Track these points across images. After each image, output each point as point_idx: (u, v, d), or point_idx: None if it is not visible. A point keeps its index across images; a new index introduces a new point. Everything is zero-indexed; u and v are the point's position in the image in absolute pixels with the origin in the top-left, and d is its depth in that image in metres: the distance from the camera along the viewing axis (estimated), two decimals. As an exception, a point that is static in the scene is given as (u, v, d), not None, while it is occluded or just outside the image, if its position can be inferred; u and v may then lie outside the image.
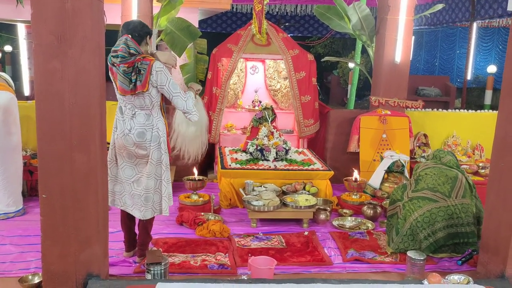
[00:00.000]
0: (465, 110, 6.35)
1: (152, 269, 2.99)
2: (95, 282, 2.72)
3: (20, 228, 3.97)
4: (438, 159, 3.99)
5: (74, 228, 2.73)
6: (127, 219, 3.48)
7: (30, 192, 4.80)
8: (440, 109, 6.35)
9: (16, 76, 11.77)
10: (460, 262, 3.58)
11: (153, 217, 3.43)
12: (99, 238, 2.83)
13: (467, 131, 6.06)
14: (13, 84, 4.45)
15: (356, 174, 5.03)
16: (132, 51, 3.13)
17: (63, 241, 2.73)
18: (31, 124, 5.06)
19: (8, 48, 11.79)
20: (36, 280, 2.96)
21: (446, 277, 3.08)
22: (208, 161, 6.16)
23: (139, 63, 3.12)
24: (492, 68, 9.59)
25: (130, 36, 3.17)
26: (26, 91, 5.92)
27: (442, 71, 14.93)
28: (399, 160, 5.04)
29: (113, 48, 3.17)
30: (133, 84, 3.13)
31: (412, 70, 10.44)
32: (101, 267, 2.85)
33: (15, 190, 4.30)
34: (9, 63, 12.33)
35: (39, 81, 2.62)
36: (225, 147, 5.69)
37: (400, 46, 5.55)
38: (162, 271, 3.01)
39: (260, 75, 6.64)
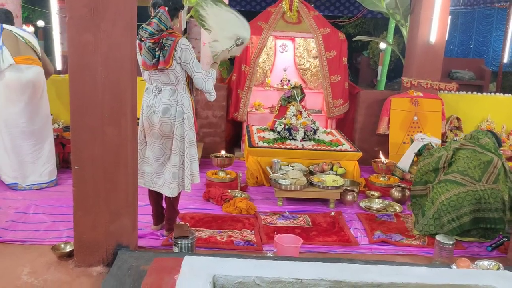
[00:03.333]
0: (501, 94, 6.15)
1: (179, 242, 3.04)
2: (125, 252, 2.78)
3: (52, 198, 4.09)
4: (476, 140, 3.87)
5: (104, 199, 2.79)
6: (155, 194, 3.53)
7: (62, 164, 4.91)
8: (475, 92, 6.16)
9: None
10: (490, 248, 3.51)
11: (179, 193, 3.47)
12: (128, 210, 2.89)
13: (503, 115, 5.87)
14: (38, 49, 4.37)
15: (381, 156, 4.96)
16: (162, 26, 3.12)
17: (94, 211, 2.80)
18: (63, 97, 5.15)
19: (40, 23, 11.99)
20: (68, 248, 3.05)
21: (475, 263, 3.04)
22: (236, 139, 6.19)
23: (164, 38, 3.13)
24: (530, 51, 9.23)
25: (166, 8, 3.16)
26: (58, 66, 6.02)
27: (477, 54, 14.46)
28: (429, 143, 4.93)
29: (148, 21, 3.17)
30: (156, 59, 3.14)
31: (446, 52, 10.15)
32: (130, 239, 2.91)
33: (48, 160, 4.41)
34: (42, 38, 12.54)
35: (72, 54, 2.66)
36: (252, 125, 5.68)
37: (435, 26, 5.38)
38: (190, 245, 3.05)
39: (290, 54, 6.56)
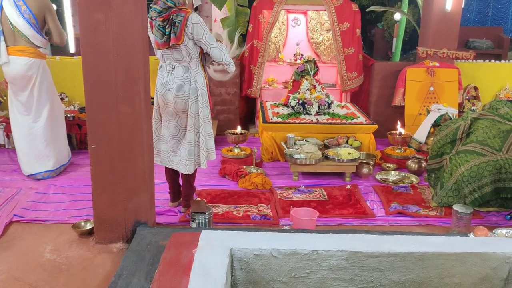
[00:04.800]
0: (519, 61, 6.00)
1: (196, 218, 3.08)
2: (143, 229, 2.82)
3: (71, 178, 4.16)
4: (495, 110, 3.80)
5: (122, 177, 2.83)
6: (171, 171, 3.56)
7: (79, 145, 4.97)
8: (492, 60, 6.02)
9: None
10: (509, 216, 3.48)
11: (196, 170, 3.50)
12: (145, 188, 2.92)
13: (522, 83, 5.75)
14: (30, 37, 3.98)
15: (399, 127, 4.91)
16: (169, 3, 3.10)
17: (112, 189, 2.84)
18: (77, 79, 5.19)
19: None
20: (88, 226, 3.11)
21: (493, 231, 3.02)
22: (250, 116, 6.19)
23: (174, 15, 3.10)
24: (551, 17, 8.94)
25: None
26: (72, 49, 6.02)
27: (495, 21, 14.06)
28: (446, 113, 4.86)
29: (153, 0, 3.15)
30: (166, 36, 3.12)
31: (463, 21, 9.88)
32: (149, 215, 2.96)
33: (62, 142, 4.37)
34: (54, 21, 12.59)
35: (84, 34, 2.66)
36: (266, 101, 5.66)
37: (451, -7, 5.24)
38: (207, 220, 3.09)
39: (302, 28, 6.48)
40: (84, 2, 2.60)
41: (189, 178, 3.51)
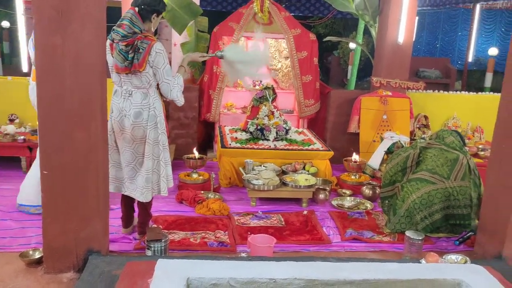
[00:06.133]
0: (466, 92, 6.34)
1: (152, 245, 3.01)
2: (96, 257, 2.74)
3: (20, 204, 3.98)
4: (441, 139, 3.98)
5: (74, 205, 2.75)
6: (127, 197, 3.48)
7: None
8: (441, 91, 6.32)
9: (15, 52, 11.68)
10: (458, 242, 3.61)
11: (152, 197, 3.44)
12: (99, 215, 2.84)
13: (468, 113, 6.05)
14: None
15: (355, 156, 5.04)
16: (135, 29, 3.09)
17: (63, 217, 2.75)
18: (29, 101, 5.03)
19: (5, 24, 11.67)
20: (37, 255, 2.97)
21: (443, 257, 3.12)
22: (208, 140, 6.18)
23: (139, 41, 3.08)
24: (493, 51, 9.55)
25: (136, 9, 3.12)
26: (25, 68, 5.85)
27: (443, 53, 14.86)
28: (399, 141, 5.04)
29: (118, 23, 3.12)
30: (128, 61, 3.09)
31: (413, 51, 10.42)
32: (102, 243, 2.87)
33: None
34: (7, 39, 12.23)
35: (40, 57, 2.60)
36: (225, 126, 5.68)
37: (403, 27, 5.50)
38: (163, 247, 3.03)
39: (261, 54, 6.57)
40: (41, 25, 2.55)
41: (146, 205, 3.44)
